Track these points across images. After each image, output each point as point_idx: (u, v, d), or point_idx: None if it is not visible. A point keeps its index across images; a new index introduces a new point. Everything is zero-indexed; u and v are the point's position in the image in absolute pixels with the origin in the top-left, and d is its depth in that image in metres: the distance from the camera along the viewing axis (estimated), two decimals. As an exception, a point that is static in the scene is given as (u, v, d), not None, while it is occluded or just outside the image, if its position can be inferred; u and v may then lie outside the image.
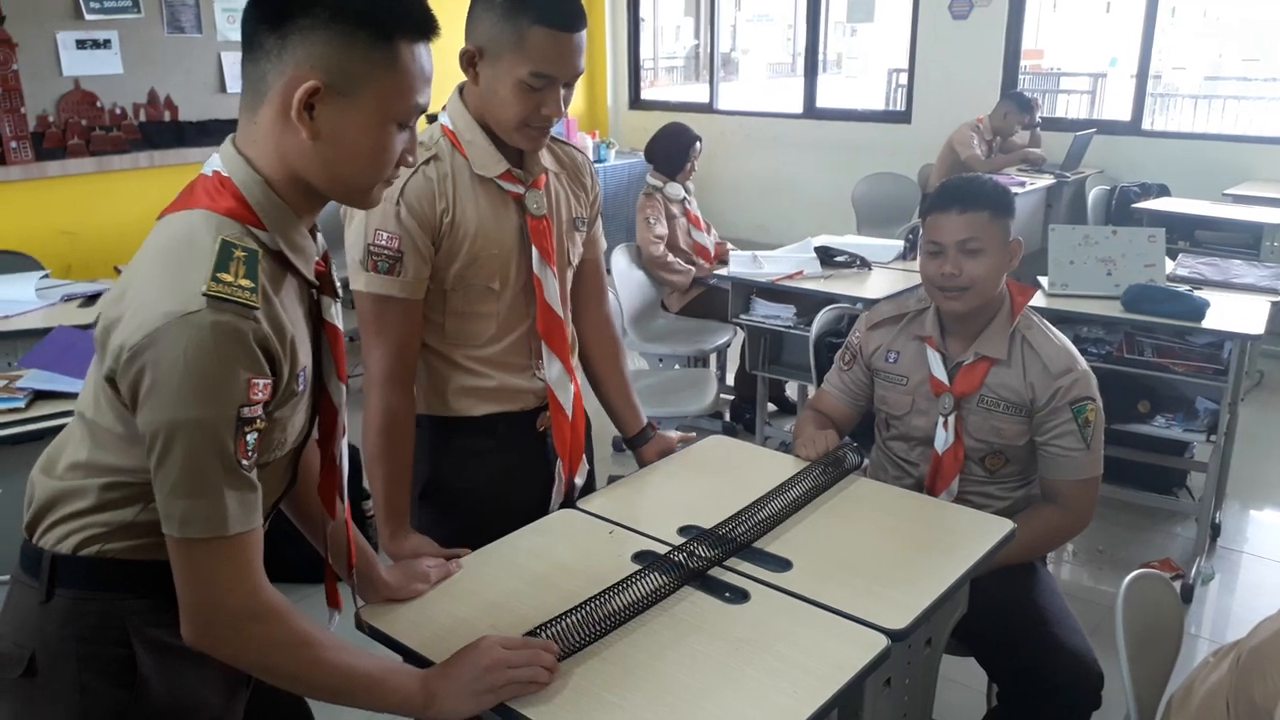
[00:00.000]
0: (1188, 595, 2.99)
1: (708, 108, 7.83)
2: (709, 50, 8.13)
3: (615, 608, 1.36)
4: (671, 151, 4.16)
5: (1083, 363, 2.01)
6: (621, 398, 1.96)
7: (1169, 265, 3.35)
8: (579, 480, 1.87)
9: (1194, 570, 3.06)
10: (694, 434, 2.07)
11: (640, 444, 1.97)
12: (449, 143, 1.66)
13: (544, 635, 1.29)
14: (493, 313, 1.71)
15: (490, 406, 1.75)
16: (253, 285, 1.05)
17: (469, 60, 1.61)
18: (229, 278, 1.03)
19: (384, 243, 1.59)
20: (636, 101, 8.02)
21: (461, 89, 1.69)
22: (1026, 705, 1.87)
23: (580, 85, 7.70)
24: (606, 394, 1.96)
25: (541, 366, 1.77)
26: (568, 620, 1.32)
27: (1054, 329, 2.06)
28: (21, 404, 2.31)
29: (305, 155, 1.11)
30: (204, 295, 1.00)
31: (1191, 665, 1.51)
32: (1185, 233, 4.89)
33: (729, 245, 4.22)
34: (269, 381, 1.06)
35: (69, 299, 3.26)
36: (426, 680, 1.18)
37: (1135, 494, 3.26)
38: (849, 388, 2.20)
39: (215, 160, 1.13)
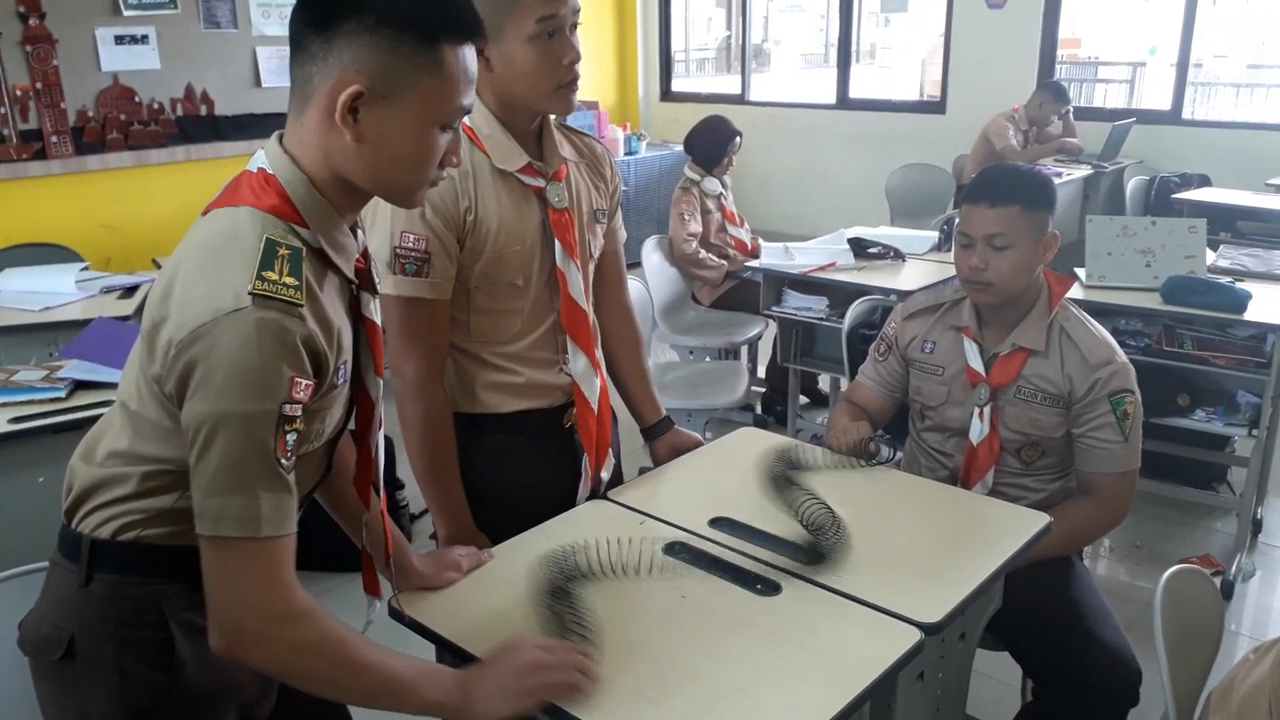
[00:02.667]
0: (1228, 592, 2.94)
1: (739, 99, 7.79)
2: (740, 41, 8.07)
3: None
4: (710, 144, 4.15)
5: (1122, 355, 1.98)
6: (640, 389, 1.95)
7: (1210, 256, 3.29)
8: (605, 475, 1.86)
9: (1234, 566, 3.01)
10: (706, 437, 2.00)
11: (655, 436, 1.95)
12: (467, 139, 1.63)
13: (574, 636, 1.27)
14: (518, 309, 1.70)
15: (519, 403, 1.74)
16: (297, 283, 1.05)
17: (476, 51, 1.60)
18: (274, 276, 1.04)
19: (410, 245, 1.58)
20: (667, 94, 8.00)
21: None
22: (1062, 701, 1.85)
23: (611, 77, 7.78)
24: (625, 385, 1.94)
25: (568, 361, 1.76)
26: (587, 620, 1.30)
27: (1093, 320, 2.03)
28: (62, 393, 2.34)
29: (350, 157, 1.12)
30: (249, 294, 1.01)
31: (1231, 662, 1.49)
32: (1227, 223, 4.79)
33: (760, 241, 4.21)
34: (311, 382, 1.07)
35: (108, 290, 3.31)
36: (462, 681, 1.16)
37: (1174, 489, 3.21)
38: (884, 378, 2.18)
39: (260, 157, 1.14)
